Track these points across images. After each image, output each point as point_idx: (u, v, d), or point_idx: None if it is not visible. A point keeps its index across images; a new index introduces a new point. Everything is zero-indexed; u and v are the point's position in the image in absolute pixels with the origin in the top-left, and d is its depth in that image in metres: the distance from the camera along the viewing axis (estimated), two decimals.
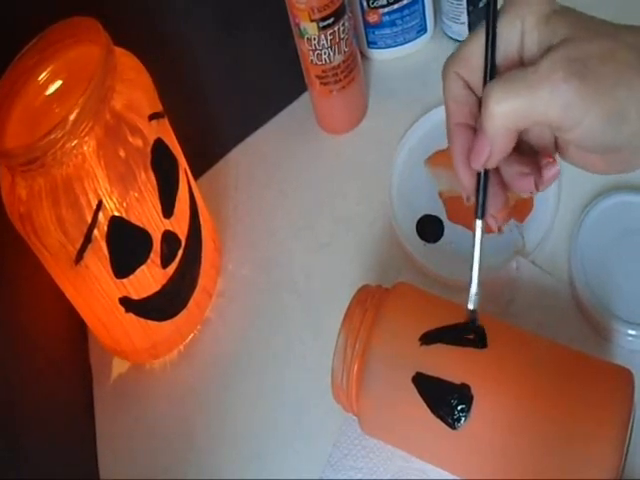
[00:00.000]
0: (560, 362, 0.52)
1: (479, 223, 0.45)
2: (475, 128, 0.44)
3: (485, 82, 0.43)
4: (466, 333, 0.51)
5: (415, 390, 0.51)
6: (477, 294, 0.48)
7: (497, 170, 0.45)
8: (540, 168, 0.45)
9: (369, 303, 0.55)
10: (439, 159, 0.73)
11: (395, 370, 0.52)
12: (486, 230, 0.46)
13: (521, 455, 0.49)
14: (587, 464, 0.47)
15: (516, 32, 0.42)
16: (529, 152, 0.45)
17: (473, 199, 0.45)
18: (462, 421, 0.49)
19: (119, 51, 0.59)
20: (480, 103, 0.43)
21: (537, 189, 0.45)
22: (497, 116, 0.40)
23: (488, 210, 0.45)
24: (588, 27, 0.40)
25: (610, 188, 0.66)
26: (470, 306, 0.48)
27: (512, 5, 0.42)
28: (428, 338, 0.51)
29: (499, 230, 0.47)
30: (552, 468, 0.48)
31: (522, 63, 0.43)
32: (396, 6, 0.78)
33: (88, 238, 0.57)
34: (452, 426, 0.50)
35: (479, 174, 0.44)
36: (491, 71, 0.43)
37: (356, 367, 0.53)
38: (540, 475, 0.49)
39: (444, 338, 0.51)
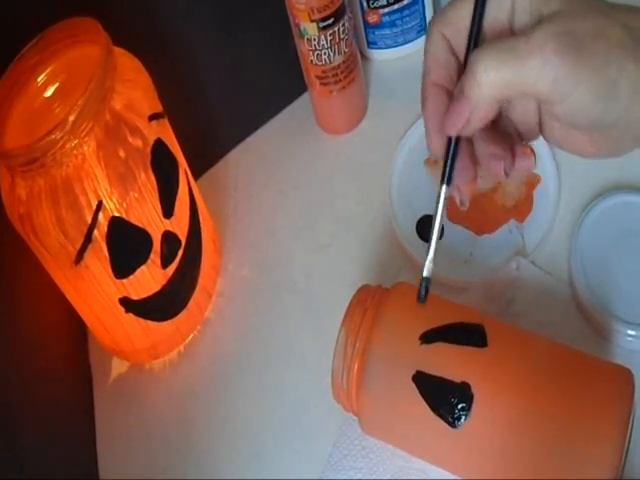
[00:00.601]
0: (560, 361, 0.52)
1: (444, 189, 0.44)
2: (452, 92, 0.43)
3: (469, 48, 0.42)
4: (466, 331, 0.51)
5: (415, 389, 0.51)
6: (431, 262, 0.46)
7: (470, 143, 0.45)
8: (514, 154, 0.44)
9: (369, 303, 0.55)
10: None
11: (395, 369, 0.52)
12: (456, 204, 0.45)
13: (521, 454, 0.49)
14: (587, 464, 0.47)
15: None
16: (508, 135, 0.45)
17: (441, 163, 0.44)
18: (462, 420, 0.49)
19: (119, 51, 0.59)
20: (461, 69, 0.43)
21: (506, 175, 0.44)
22: (484, 84, 0.39)
23: (454, 180, 0.44)
24: (581, 1, 0.40)
25: (610, 188, 0.66)
26: (424, 273, 0.47)
27: None
28: (428, 337, 0.51)
29: (461, 204, 0.46)
30: (552, 467, 0.48)
31: (511, 30, 0.42)
32: (396, 6, 0.78)
33: (88, 238, 0.57)
34: (452, 425, 0.50)
35: (450, 139, 0.43)
36: (476, 38, 0.42)
37: (356, 366, 0.53)
38: (540, 475, 0.49)
39: (444, 337, 0.51)
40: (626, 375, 0.50)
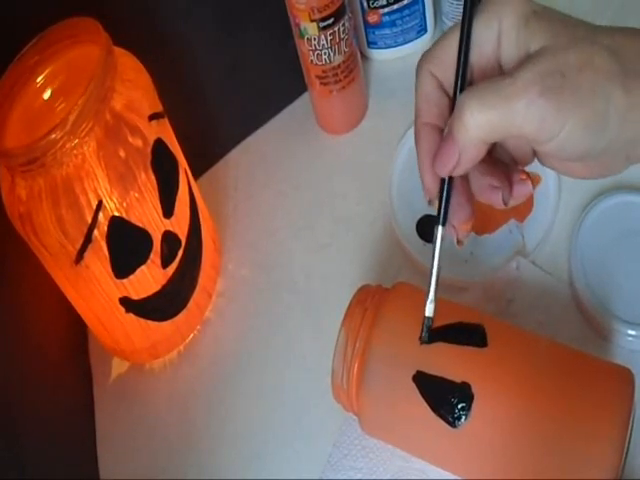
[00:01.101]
0: (560, 361, 0.52)
1: (440, 230, 0.45)
2: (442, 130, 0.43)
3: (456, 87, 0.42)
4: (466, 331, 0.51)
5: (415, 389, 0.51)
6: (433, 302, 0.47)
7: (465, 180, 0.45)
8: (511, 183, 0.44)
9: (369, 303, 0.55)
10: None
11: (395, 369, 0.52)
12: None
13: (521, 454, 0.49)
14: (587, 463, 0.47)
15: (493, 32, 0.41)
16: (502, 164, 0.45)
17: (436, 203, 0.44)
18: (463, 420, 0.49)
19: (119, 51, 0.59)
20: (451, 105, 0.42)
21: (505, 204, 0.44)
22: (471, 128, 0.39)
23: (450, 220, 0.44)
24: (566, 31, 0.39)
25: (610, 188, 0.66)
26: (426, 313, 0.48)
27: (490, 4, 0.41)
28: (428, 337, 0.51)
29: (458, 243, 0.46)
30: (552, 467, 0.48)
31: (498, 63, 0.42)
32: (396, 6, 0.78)
33: (88, 238, 0.57)
34: (452, 425, 0.50)
35: (443, 179, 0.44)
36: (462, 77, 0.42)
37: (356, 366, 0.53)
38: (540, 474, 0.49)
39: (444, 337, 0.51)
40: (626, 375, 0.50)
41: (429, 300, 0.47)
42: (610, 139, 0.39)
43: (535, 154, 0.44)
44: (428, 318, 0.48)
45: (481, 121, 0.39)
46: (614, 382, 0.50)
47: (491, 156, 0.42)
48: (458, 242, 0.45)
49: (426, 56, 0.44)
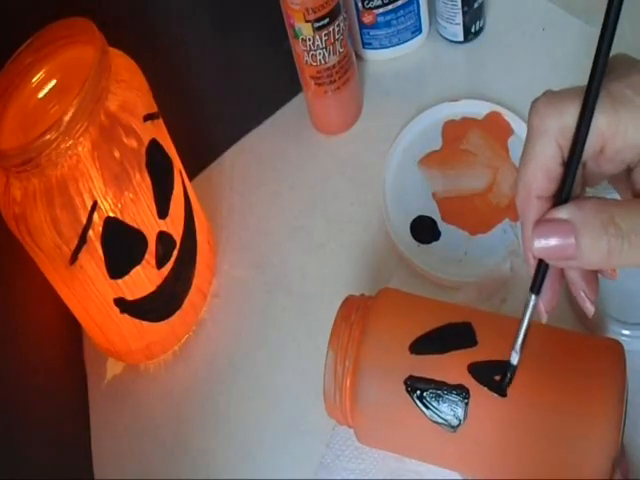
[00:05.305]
0: (551, 345, 0.51)
1: (533, 298, 0.42)
2: (551, 198, 0.39)
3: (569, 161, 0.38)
4: (454, 334, 0.51)
5: (410, 398, 0.51)
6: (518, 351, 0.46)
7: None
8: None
9: (354, 317, 0.54)
10: (433, 160, 0.74)
11: (388, 380, 0.51)
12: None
13: (521, 445, 0.49)
14: (587, 439, 0.47)
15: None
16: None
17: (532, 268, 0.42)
18: (461, 422, 0.49)
19: (113, 52, 0.59)
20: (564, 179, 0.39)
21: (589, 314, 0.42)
22: (592, 263, 0.37)
23: (542, 295, 0.42)
24: None
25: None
26: (513, 361, 0.47)
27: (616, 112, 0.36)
28: (417, 347, 0.51)
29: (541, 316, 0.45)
30: (553, 451, 0.48)
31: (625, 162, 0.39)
32: (391, 7, 0.78)
33: (83, 239, 0.57)
34: (451, 428, 0.50)
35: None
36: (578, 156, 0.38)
37: (348, 383, 0.52)
38: (542, 459, 0.48)
39: (433, 346, 0.51)
40: (617, 348, 0.50)
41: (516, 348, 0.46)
42: None
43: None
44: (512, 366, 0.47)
45: (609, 264, 0.37)
46: (606, 358, 0.50)
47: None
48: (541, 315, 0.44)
49: (555, 120, 0.37)
